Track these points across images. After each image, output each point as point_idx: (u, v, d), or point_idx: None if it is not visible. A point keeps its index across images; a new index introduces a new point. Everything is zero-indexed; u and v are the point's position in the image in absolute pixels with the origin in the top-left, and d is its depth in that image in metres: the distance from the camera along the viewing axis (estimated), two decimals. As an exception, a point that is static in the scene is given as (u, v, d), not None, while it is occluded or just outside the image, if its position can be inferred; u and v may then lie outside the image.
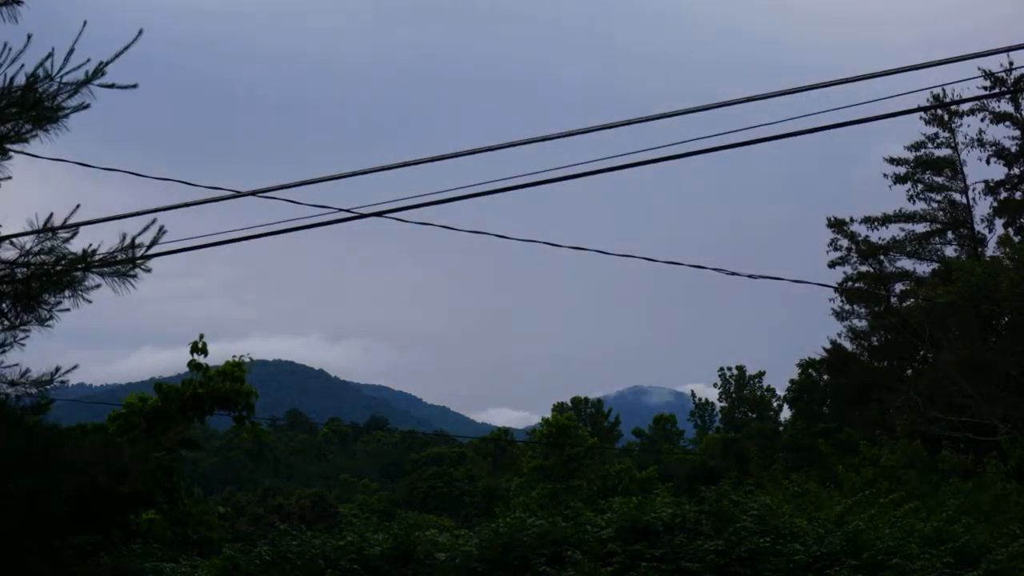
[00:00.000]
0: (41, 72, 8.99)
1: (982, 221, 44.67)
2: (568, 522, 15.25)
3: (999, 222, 43.72)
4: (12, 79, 9.03)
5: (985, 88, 39.93)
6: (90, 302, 9.79)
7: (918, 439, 31.32)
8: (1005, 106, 43.35)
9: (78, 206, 9.28)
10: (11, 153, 9.32)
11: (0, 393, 10.36)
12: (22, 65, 9.01)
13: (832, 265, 47.62)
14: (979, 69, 38.37)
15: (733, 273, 12.28)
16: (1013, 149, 43.43)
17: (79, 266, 9.50)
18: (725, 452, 64.31)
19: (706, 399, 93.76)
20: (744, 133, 8.35)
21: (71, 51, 8.95)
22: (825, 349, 48.66)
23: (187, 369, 17.88)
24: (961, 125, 44.86)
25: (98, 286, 9.71)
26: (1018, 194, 43.52)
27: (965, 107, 43.86)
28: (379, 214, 9.56)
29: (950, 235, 46.01)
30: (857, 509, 16.80)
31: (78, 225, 9.42)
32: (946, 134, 45.12)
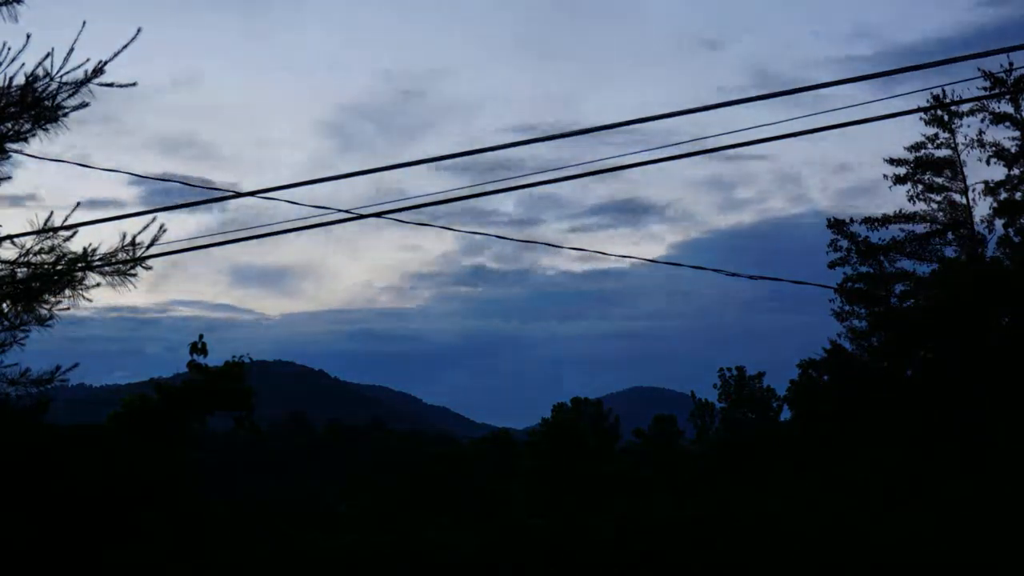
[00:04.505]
0: (40, 71, 9.00)
1: (982, 222, 44.68)
2: (568, 523, 15.24)
3: (999, 223, 43.73)
4: (12, 78, 9.03)
5: (985, 88, 39.95)
6: (90, 301, 9.80)
7: (918, 439, 31.32)
8: (1005, 107, 43.35)
9: (78, 204, 9.30)
10: (10, 153, 9.33)
11: (0, 392, 10.36)
12: (22, 64, 9.02)
13: (832, 266, 47.68)
14: (979, 69, 38.40)
15: (733, 274, 12.27)
16: (1013, 150, 43.41)
17: (79, 265, 9.50)
18: (725, 453, 64.30)
19: (706, 400, 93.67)
20: (744, 133, 8.35)
21: (71, 50, 8.96)
22: (825, 350, 48.71)
23: (187, 369, 17.91)
24: (961, 126, 44.88)
25: (98, 285, 9.72)
26: (1018, 195, 43.50)
27: (965, 107, 43.89)
28: (379, 214, 9.56)
29: (950, 236, 46.00)
30: (857, 509, 16.79)
31: (78, 225, 9.43)
32: (946, 135, 45.14)
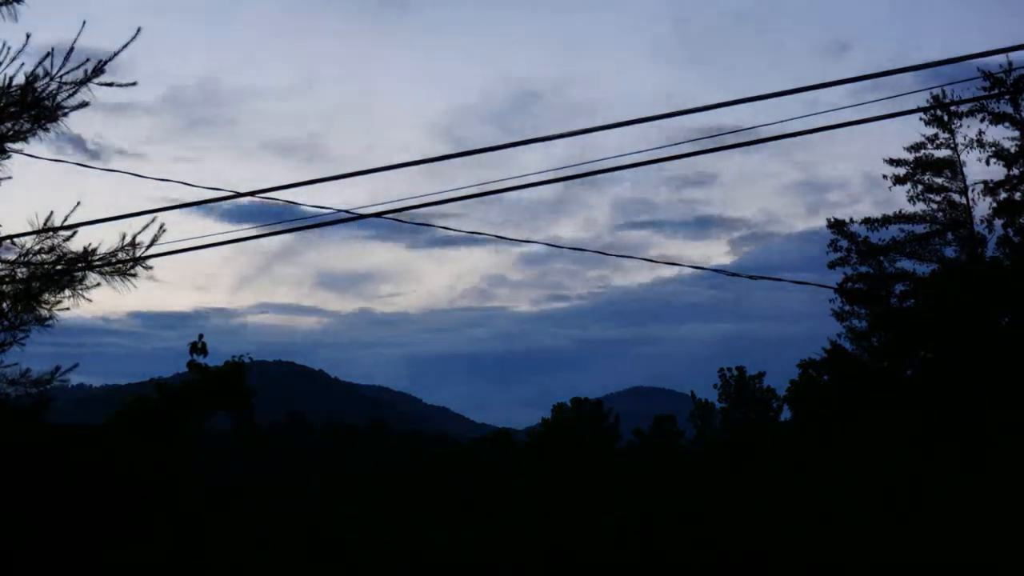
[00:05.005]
0: (40, 71, 8.99)
1: (982, 222, 44.64)
2: (568, 523, 15.24)
3: (999, 223, 43.71)
4: (12, 78, 9.03)
5: (985, 89, 39.92)
6: (90, 300, 9.80)
7: (918, 439, 31.32)
8: (1005, 107, 43.32)
9: (79, 203, 9.29)
10: (10, 152, 9.32)
11: (0, 392, 10.36)
12: (22, 64, 9.02)
13: (832, 266, 47.65)
14: (979, 70, 38.39)
15: (733, 274, 12.27)
16: (1013, 150, 43.39)
17: (79, 265, 9.50)
18: (725, 453, 64.29)
19: (706, 400, 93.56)
20: (744, 133, 8.35)
21: (71, 50, 8.96)
22: (825, 350, 48.66)
23: (187, 369, 17.92)
24: (961, 126, 44.87)
25: (98, 285, 9.71)
26: (1018, 195, 43.48)
27: (965, 108, 43.86)
28: (379, 214, 9.55)
29: (950, 236, 45.98)
30: (857, 509, 16.79)
31: (78, 225, 9.42)
32: (946, 135, 45.13)
